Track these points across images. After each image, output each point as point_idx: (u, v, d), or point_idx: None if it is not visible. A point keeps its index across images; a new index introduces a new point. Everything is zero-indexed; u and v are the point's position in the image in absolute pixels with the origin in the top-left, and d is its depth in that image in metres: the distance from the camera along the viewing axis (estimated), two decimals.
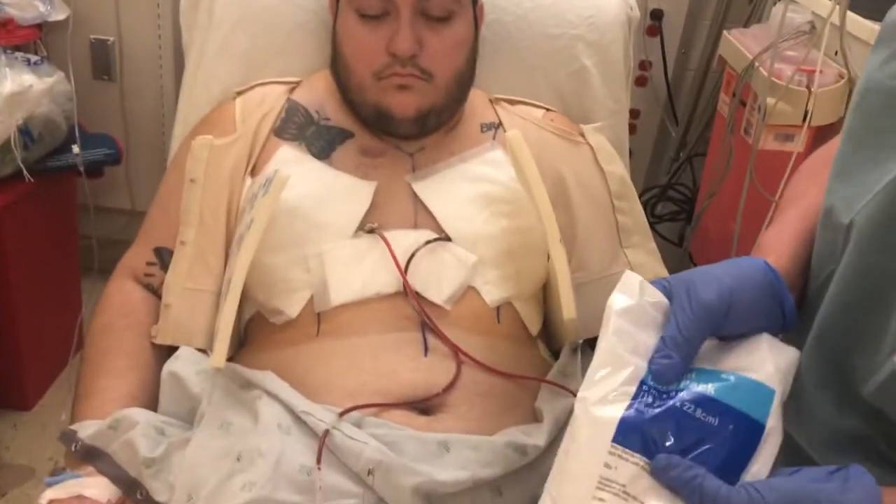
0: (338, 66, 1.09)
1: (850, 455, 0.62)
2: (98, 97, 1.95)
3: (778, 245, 0.70)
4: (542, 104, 1.22)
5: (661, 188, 2.08)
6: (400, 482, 0.80)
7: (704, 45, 1.99)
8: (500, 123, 1.15)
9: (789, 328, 0.66)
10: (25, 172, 1.60)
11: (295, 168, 1.02)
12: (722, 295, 0.62)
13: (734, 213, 1.57)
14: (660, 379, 0.62)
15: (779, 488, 0.56)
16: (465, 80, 1.09)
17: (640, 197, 2.01)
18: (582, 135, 1.19)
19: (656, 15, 1.97)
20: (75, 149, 1.65)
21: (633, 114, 2.06)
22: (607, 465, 0.60)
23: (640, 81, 2.03)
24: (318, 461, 0.81)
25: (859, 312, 0.61)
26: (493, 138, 1.13)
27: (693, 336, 0.62)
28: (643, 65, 2.01)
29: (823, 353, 0.64)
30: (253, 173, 1.07)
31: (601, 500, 0.59)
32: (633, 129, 2.08)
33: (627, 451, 0.60)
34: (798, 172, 0.84)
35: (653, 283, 0.67)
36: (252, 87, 1.16)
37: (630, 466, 0.59)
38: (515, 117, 1.16)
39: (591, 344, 1.05)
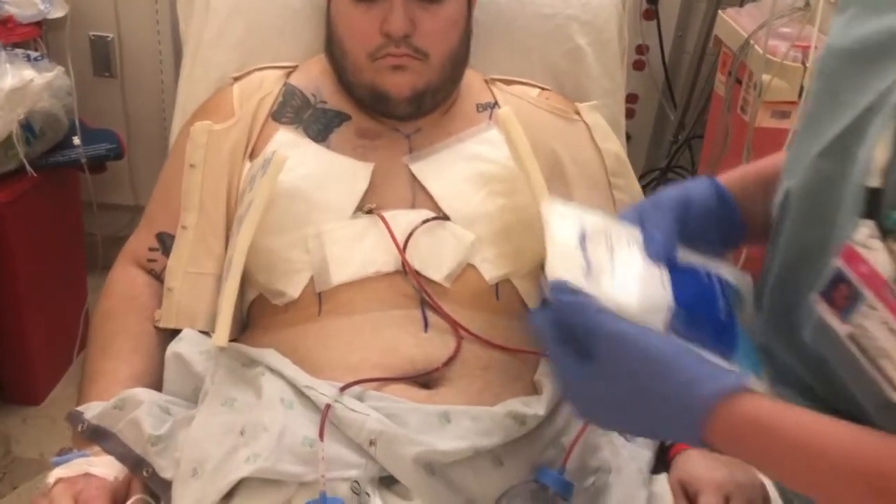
0: (333, 48, 1.10)
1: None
2: (99, 94, 1.96)
3: (724, 177, 0.76)
4: (537, 84, 1.22)
5: (660, 171, 2.09)
6: (401, 452, 0.81)
7: (700, 27, 1.99)
8: (496, 103, 1.15)
9: (741, 239, 0.73)
10: (28, 167, 1.61)
11: (293, 151, 1.03)
12: (680, 195, 0.71)
13: None
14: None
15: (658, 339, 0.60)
16: (459, 60, 1.10)
17: (640, 180, 2.03)
18: (577, 113, 1.20)
19: None
20: (76, 140, 1.66)
21: (632, 98, 2.06)
22: None
23: (638, 65, 2.03)
24: (321, 433, 0.82)
25: (801, 263, 0.63)
26: (490, 118, 1.13)
27: (669, 225, 0.68)
28: (640, 49, 2.01)
29: (777, 301, 0.66)
30: (251, 157, 1.08)
31: None
32: (631, 113, 2.09)
33: None
34: None
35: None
36: (249, 73, 1.17)
37: None
38: (511, 97, 1.17)
39: None
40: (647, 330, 0.60)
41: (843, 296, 0.55)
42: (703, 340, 0.60)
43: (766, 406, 0.56)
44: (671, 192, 0.71)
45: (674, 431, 0.59)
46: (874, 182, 0.54)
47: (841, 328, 0.56)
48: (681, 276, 0.66)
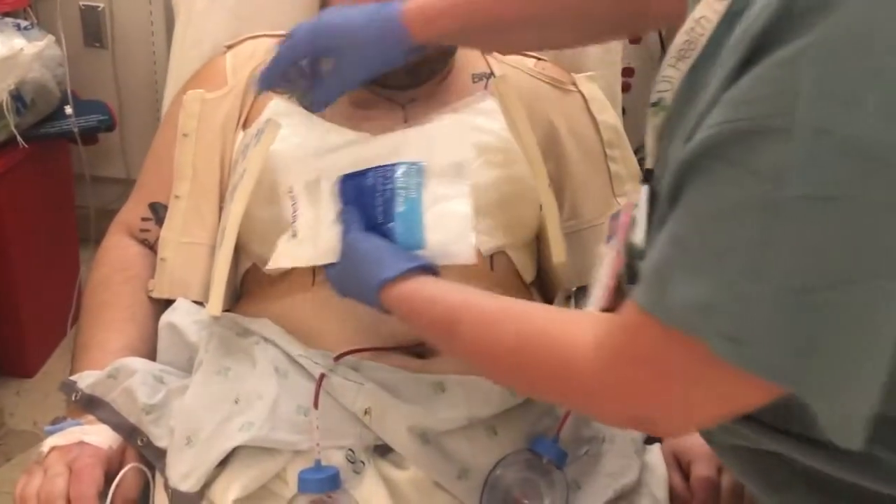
0: None
1: None
2: (90, 65, 1.94)
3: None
4: (533, 53, 1.21)
5: None
6: (396, 421, 0.82)
7: None
8: (492, 73, 1.14)
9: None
10: (19, 138, 1.60)
11: (287, 120, 1.02)
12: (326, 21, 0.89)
13: None
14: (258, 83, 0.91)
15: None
16: None
17: (634, 154, 2.02)
18: (574, 83, 1.19)
19: None
20: (68, 110, 1.64)
21: (628, 72, 2.05)
22: None
23: (634, 39, 2.02)
24: (316, 402, 0.82)
25: None
26: (485, 88, 1.12)
27: (286, 54, 0.89)
28: None
29: None
30: (245, 126, 1.07)
31: None
32: (627, 87, 2.07)
33: None
34: None
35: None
36: (242, 41, 1.16)
37: None
38: (507, 66, 1.16)
39: (584, 291, 1.06)
40: (365, 237, 0.84)
41: (612, 227, 0.70)
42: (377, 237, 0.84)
43: (414, 285, 0.77)
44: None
45: (371, 300, 0.79)
46: (650, 164, 0.69)
47: (601, 248, 0.72)
48: (356, 193, 0.89)
